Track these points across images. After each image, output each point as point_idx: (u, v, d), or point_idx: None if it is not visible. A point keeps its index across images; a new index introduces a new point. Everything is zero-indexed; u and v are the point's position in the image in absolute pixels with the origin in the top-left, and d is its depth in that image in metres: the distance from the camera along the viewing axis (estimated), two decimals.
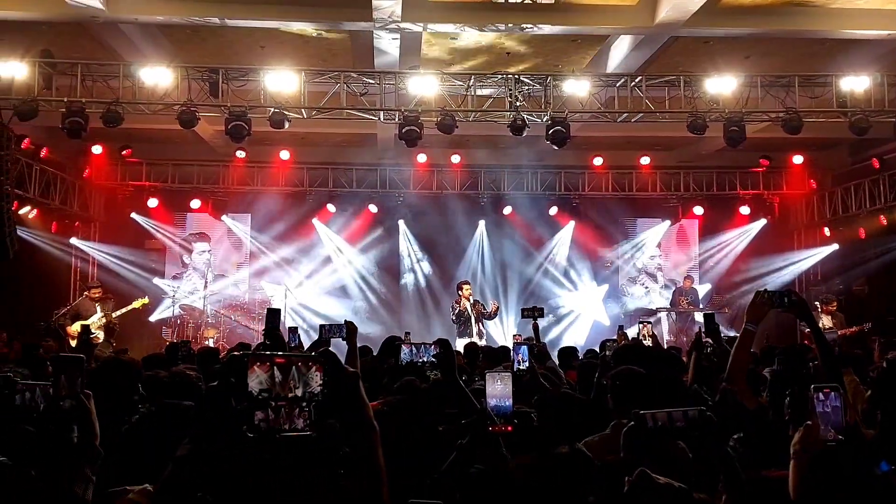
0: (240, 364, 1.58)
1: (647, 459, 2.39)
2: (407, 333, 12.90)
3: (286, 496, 2.13)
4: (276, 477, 2.09)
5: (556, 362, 7.01)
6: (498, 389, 2.54)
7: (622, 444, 2.38)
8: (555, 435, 3.11)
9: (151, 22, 10.38)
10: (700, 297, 14.94)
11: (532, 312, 7.24)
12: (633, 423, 2.30)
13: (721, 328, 5.36)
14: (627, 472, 2.23)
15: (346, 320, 5.33)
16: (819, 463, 2.49)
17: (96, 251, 15.03)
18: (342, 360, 4.39)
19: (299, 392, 1.60)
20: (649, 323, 5.86)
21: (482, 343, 11.45)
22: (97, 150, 14.36)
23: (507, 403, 2.53)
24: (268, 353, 1.62)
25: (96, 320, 11.42)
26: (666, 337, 13.94)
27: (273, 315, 5.23)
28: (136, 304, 11.97)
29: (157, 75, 10.37)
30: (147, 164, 15.25)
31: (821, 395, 2.54)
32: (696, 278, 15.65)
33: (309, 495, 2.13)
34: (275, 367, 1.59)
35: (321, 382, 1.64)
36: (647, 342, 5.72)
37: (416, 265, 16.44)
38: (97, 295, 11.69)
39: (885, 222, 13.54)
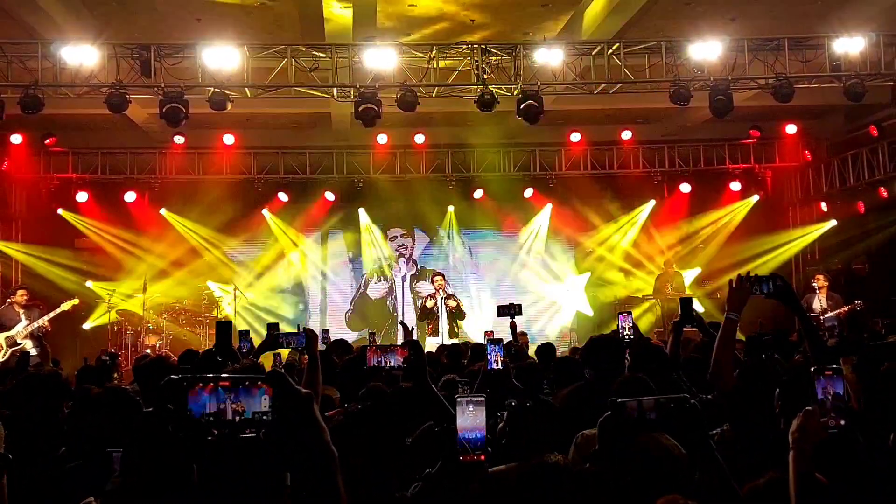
0: (178, 388, 1.55)
1: (625, 454, 2.38)
2: (372, 333, 12.95)
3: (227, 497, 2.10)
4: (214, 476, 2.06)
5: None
6: (468, 421, 2.51)
7: (598, 436, 2.38)
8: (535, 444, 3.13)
9: None
10: (687, 282, 15.11)
11: (509, 310, 7.25)
12: (609, 412, 2.30)
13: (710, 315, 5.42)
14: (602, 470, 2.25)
15: (305, 328, 5.30)
16: (821, 452, 2.50)
17: (19, 252, 14.75)
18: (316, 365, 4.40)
19: (248, 415, 1.60)
20: (629, 313, 5.87)
21: (454, 342, 11.46)
22: (16, 139, 14.07)
23: (480, 435, 2.51)
24: (210, 374, 1.60)
25: (21, 329, 11.24)
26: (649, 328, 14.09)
27: (223, 329, 5.20)
28: (65, 305, 11.84)
29: (81, 54, 10.19)
30: (73, 154, 15.01)
31: (822, 378, 2.55)
32: (685, 261, 15.82)
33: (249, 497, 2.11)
34: (220, 390, 1.58)
35: (270, 404, 1.63)
36: (628, 333, 5.73)
37: (379, 257, 16.40)
38: (24, 301, 11.51)
39: (885, 195, 13.75)
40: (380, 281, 16.42)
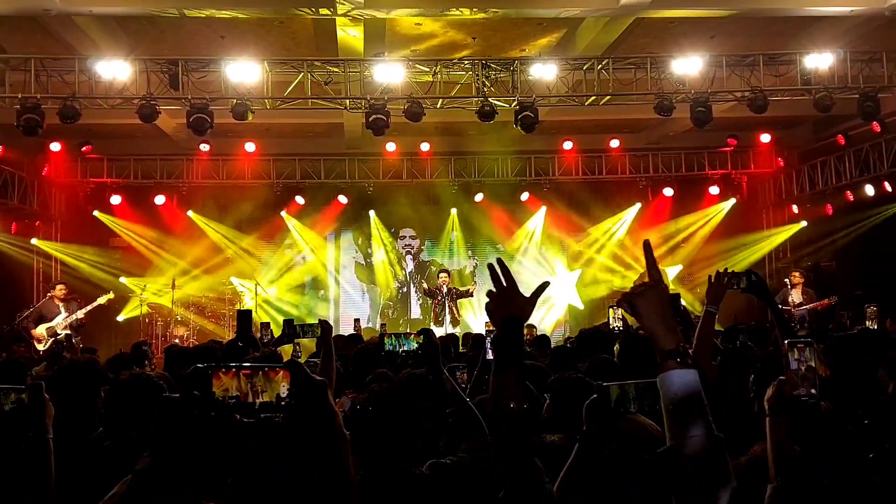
0: (203, 376, 1.59)
1: (609, 435, 2.40)
2: (382, 325, 13.00)
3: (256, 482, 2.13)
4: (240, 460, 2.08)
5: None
6: None
7: (584, 418, 2.38)
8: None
9: (107, 14, 10.23)
10: (670, 278, 15.12)
11: None
12: (595, 396, 2.31)
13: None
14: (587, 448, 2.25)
15: (320, 319, 5.28)
16: (796, 421, 2.51)
17: (59, 251, 14.83)
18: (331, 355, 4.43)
19: (267, 398, 1.62)
20: (619, 307, 5.91)
21: (457, 331, 11.54)
22: (55, 147, 14.12)
23: None
24: (233, 363, 1.63)
25: (61, 321, 11.30)
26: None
27: (244, 317, 5.23)
28: (101, 300, 11.86)
29: (115, 69, 10.23)
30: (108, 161, 15.06)
31: (794, 350, 2.54)
32: (668, 259, 15.83)
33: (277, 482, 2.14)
34: (241, 376, 1.60)
35: (288, 390, 1.65)
36: (618, 325, 5.78)
37: (387, 255, 16.44)
38: (62, 294, 11.56)
39: (851, 198, 13.80)
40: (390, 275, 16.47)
